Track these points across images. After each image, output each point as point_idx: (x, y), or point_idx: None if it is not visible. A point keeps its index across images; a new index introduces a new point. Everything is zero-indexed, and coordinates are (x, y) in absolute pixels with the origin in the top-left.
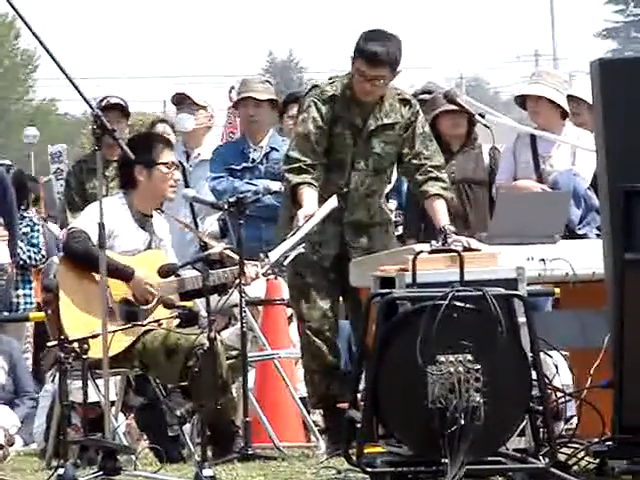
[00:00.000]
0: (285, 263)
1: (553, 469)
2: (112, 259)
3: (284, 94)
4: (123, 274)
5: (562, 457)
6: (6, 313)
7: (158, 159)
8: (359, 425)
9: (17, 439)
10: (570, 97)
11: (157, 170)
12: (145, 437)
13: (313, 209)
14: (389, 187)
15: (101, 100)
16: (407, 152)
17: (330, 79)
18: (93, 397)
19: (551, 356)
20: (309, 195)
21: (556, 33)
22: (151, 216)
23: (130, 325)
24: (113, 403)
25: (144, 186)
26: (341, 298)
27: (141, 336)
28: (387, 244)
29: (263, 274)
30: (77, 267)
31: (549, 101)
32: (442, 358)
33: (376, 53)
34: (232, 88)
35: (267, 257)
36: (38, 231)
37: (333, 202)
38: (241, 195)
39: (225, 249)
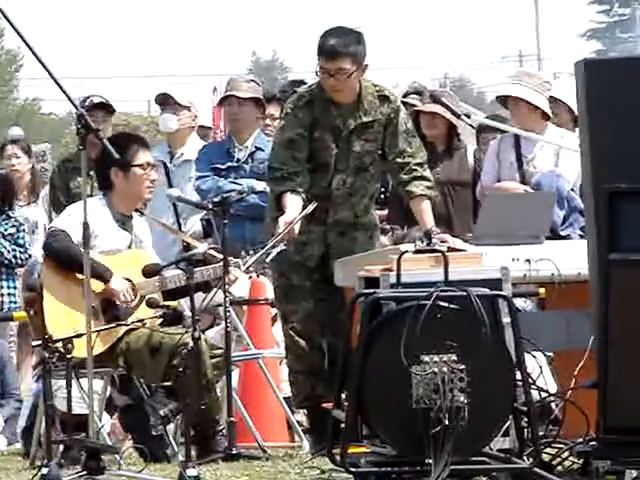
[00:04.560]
0: (267, 260)
1: (537, 469)
2: (92, 259)
3: (269, 94)
4: (101, 275)
5: (546, 457)
6: None
7: (133, 161)
8: (343, 425)
9: (1, 439)
10: (550, 98)
11: (132, 172)
12: (129, 437)
13: (293, 215)
14: (376, 186)
15: (84, 100)
16: (390, 150)
17: (310, 85)
18: (78, 409)
19: (535, 357)
20: (292, 202)
21: (540, 34)
22: (131, 217)
23: (114, 325)
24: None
25: (121, 188)
26: None
27: (125, 335)
28: (369, 250)
29: (244, 272)
30: (61, 266)
31: (528, 103)
32: (426, 358)
33: (332, 46)
34: (215, 89)
35: (248, 255)
36: (24, 231)
37: (309, 208)
38: (225, 194)
39: (209, 249)
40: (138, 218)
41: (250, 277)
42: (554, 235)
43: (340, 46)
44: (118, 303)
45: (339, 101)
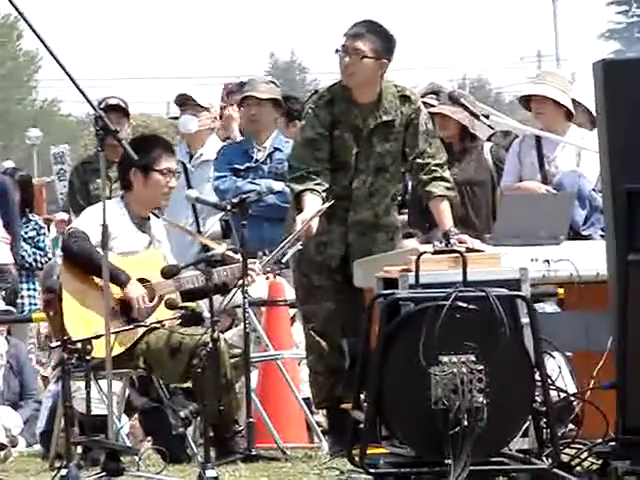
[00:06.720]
0: (283, 260)
1: (556, 470)
2: (109, 263)
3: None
4: (118, 280)
5: (565, 458)
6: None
7: (154, 165)
8: (362, 426)
9: (20, 440)
10: None
11: (152, 177)
12: (148, 438)
13: (310, 214)
14: (398, 187)
15: (100, 102)
16: (410, 150)
17: (332, 84)
18: (97, 410)
19: (554, 357)
20: (310, 201)
21: (559, 34)
22: (148, 218)
23: (132, 326)
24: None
25: (139, 190)
26: None
27: (145, 335)
28: (389, 251)
29: (263, 272)
30: (79, 267)
31: (554, 102)
32: (445, 359)
33: (358, 28)
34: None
35: (265, 255)
36: (44, 234)
37: (324, 206)
38: (244, 195)
39: (227, 250)
40: (155, 220)
41: (267, 278)
42: (576, 235)
43: (364, 30)
44: (134, 308)
45: (353, 88)
